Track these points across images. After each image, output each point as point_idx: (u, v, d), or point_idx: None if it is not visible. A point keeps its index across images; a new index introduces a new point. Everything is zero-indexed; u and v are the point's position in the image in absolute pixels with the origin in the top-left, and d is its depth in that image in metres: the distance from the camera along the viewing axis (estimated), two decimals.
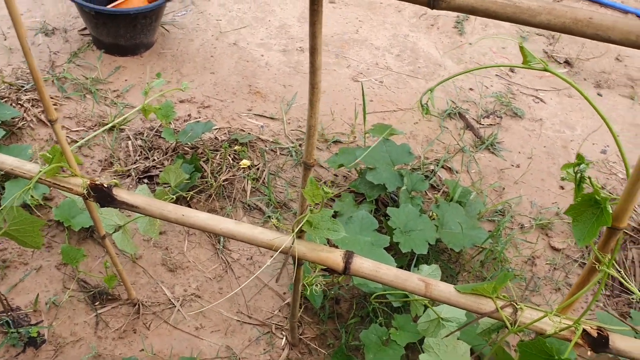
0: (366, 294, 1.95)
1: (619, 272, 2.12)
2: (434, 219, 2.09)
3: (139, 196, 1.39)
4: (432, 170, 2.49)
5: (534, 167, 2.59)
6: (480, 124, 2.80)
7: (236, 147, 2.45)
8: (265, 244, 1.21)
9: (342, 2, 3.58)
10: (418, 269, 1.80)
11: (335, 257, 1.26)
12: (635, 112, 2.94)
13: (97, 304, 1.96)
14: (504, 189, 2.49)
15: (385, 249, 2.01)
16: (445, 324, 1.57)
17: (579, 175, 0.99)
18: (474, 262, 2.14)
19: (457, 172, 2.53)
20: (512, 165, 2.60)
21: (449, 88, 2.99)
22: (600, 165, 2.62)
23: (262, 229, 1.28)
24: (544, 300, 2.07)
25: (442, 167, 2.54)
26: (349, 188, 2.32)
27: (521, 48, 0.97)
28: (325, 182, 2.41)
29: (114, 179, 2.34)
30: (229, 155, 2.41)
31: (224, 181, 2.33)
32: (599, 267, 1.07)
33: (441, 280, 1.89)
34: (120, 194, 1.39)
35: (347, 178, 2.44)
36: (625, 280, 1.10)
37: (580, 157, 0.99)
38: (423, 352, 1.46)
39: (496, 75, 3.11)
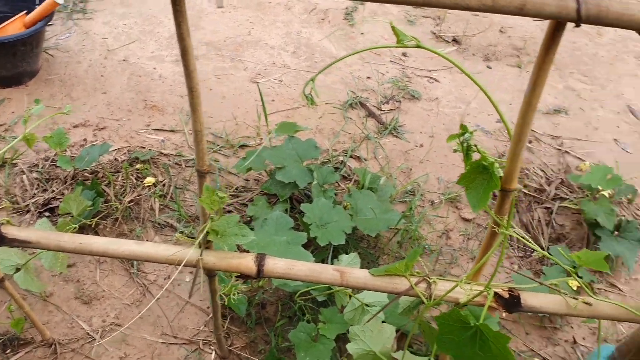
0: (291, 294, 1.93)
1: (518, 231, 2.22)
2: (348, 208, 2.10)
3: (32, 231, 1.31)
4: (342, 161, 2.51)
5: (436, 144, 2.67)
6: (381, 110, 2.85)
7: (138, 166, 2.37)
8: (170, 260, 1.17)
9: (230, 5, 3.54)
10: (338, 260, 1.81)
11: (247, 262, 1.24)
12: (524, 80, 3.10)
13: (8, 352, 1.83)
14: (411, 169, 2.55)
15: (306, 244, 2.01)
16: (370, 310, 1.58)
17: (465, 144, 1.02)
18: (391, 244, 2.18)
19: (365, 159, 2.56)
20: (416, 146, 2.67)
21: (348, 79, 3.03)
22: (498, 134, 2.74)
23: (166, 246, 1.23)
24: (462, 270, 2.14)
25: (351, 156, 2.56)
26: (261, 191, 2.29)
27: (393, 28, 0.98)
28: (221, 187, 2.37)
29: (12, 216, 2.20)
30: (132, 175, 2.33)
31: (129, 202, 2.24)
32: (498, 230, 1.10)
33: (363, 266, 1.91)
34: (10, 231, 1.30)
35: (258, 181, 2.42)
36: (526, 239, 1.14)
37: (463, 127, 1.02)
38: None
39: (390, 61, 3.17)
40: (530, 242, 1.14)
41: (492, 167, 0.98)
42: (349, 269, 1.26)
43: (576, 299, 1.22)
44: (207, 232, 1.19)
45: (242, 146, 2.57)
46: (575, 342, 1.94)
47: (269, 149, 2.18)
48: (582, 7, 0.73)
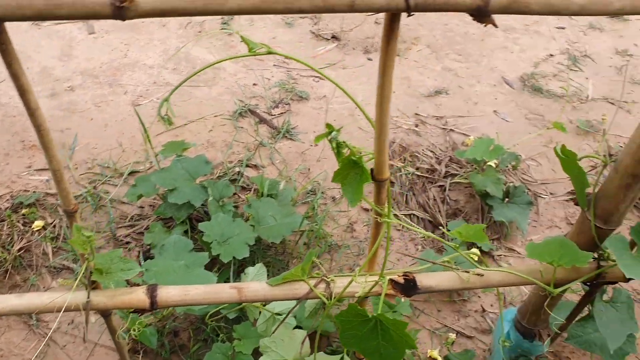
0: (202, 316, 1.88)
1: (401, 216, 2.29)
2: (249, 219, 2.08)
3: None
4: (238, 171, 2.48)
5: None
6: (272, 114, 2.84)
7: (24, 211, 2.23)
8: (50, 309, 1.10)
9: (102, 30, 3.41)
10: (245, 274, 1.79)
11: (139, 296, 1.19)
12: (403, 67, 3.19)
13: None
14: (309, 169, 2.56)
15: (212, 263, 1.97)
16: (281, 319, 1.57)
17: (334, 142, 1.03)
18: (298, 247, 2.18)
19: (262, 166, 2.55)
20: (311, 145, 2.68)
21: (234, 88, 3.00)
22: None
23: (50, 294, 1.16)
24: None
25: (247, 165, 2.54)
26: (157, 216, 2.22)
27: (242, 38, 0.97)
28: (115, 219, 2.28)
29: None
30: (18, 222, 2.18)
31: (19, 251, 2.10)
32: (379, 219, 1.12)
33: (274, 274, 1.89)
34: None
35: (154, 206, 2.34)
36: (408, 224, 1.17)
37: (329, 127, 1.03)
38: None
39: (274, 65, 3.18)
40: (413, 226, 1.17)
41: (361, 161, 1.00)
42: (246, 284, 1.24)
43: (468, 272, 1.27)
44: (91, 272, 1.14)
45: (132, 173, 2.48)
46: (484, 310, 2.03)
47: (158, 171, 2.11)
48: None
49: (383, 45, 0.86)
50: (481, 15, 0.78)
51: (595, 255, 1.33)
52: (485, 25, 0.82)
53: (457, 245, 1.16)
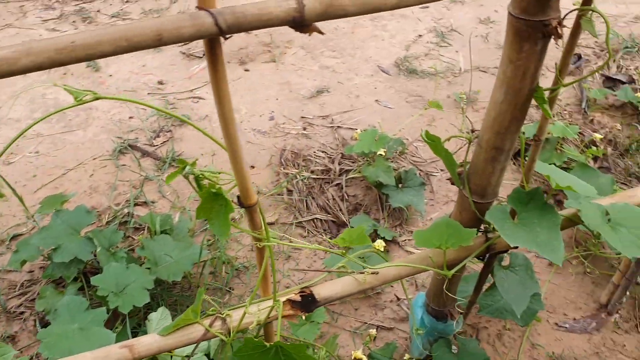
0: None
1: (284, 237, 2.28)
2: (144, 262, 1.98)
3: None
4: (128, 212, 2.36)
5: (220, 159, 2.61)
6: (154, 145, 2.73)
7: None
8: None
9: None
10: (148, 320, 1.70)
11: None
12: (282, 72, 3.18)
13: None
14: None
15: (114, 316, 1.86)
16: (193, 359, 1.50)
17: (189, 177, 0.98)
18: (204, 278, 2.10)
19: (152, 202, 2.44)
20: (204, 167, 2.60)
21: (109, 126, 2.86)
22: (275, 132, 2.77)
23: None
24: (281, 276, 2.13)
25: (136, 204, 2.42)
26: (47, 279, 2.07)
27: (65, 89, 0.90)
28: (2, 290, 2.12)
29: None
30: None
31: None
32: (260, 245, 1.08)
33: (182, 312, 1.80)
34: None
35: (45, 268, 2.18)
36: (288, 239, 1.14)
37: (181, 162, 0.97)
38: None
39: (148, 94, 3.06)
40: (294, 243, 1.14)
41: (222, 192, 0.95)
42: (137, 340, 1.16)
43: (363, 273, 1.26)
44: None
45: (15, 237, 2.30)
46: (398, 299, 2.04)
47: (39, 231, 1.97)
48: (219, 20, 0.71)
49: (211, 72, 0.82)
50: (300, 25, 0.76)
51: (482, 228, 1.36)
52: (309, 34, 0.80)
53: (344, 252, 1.14)
